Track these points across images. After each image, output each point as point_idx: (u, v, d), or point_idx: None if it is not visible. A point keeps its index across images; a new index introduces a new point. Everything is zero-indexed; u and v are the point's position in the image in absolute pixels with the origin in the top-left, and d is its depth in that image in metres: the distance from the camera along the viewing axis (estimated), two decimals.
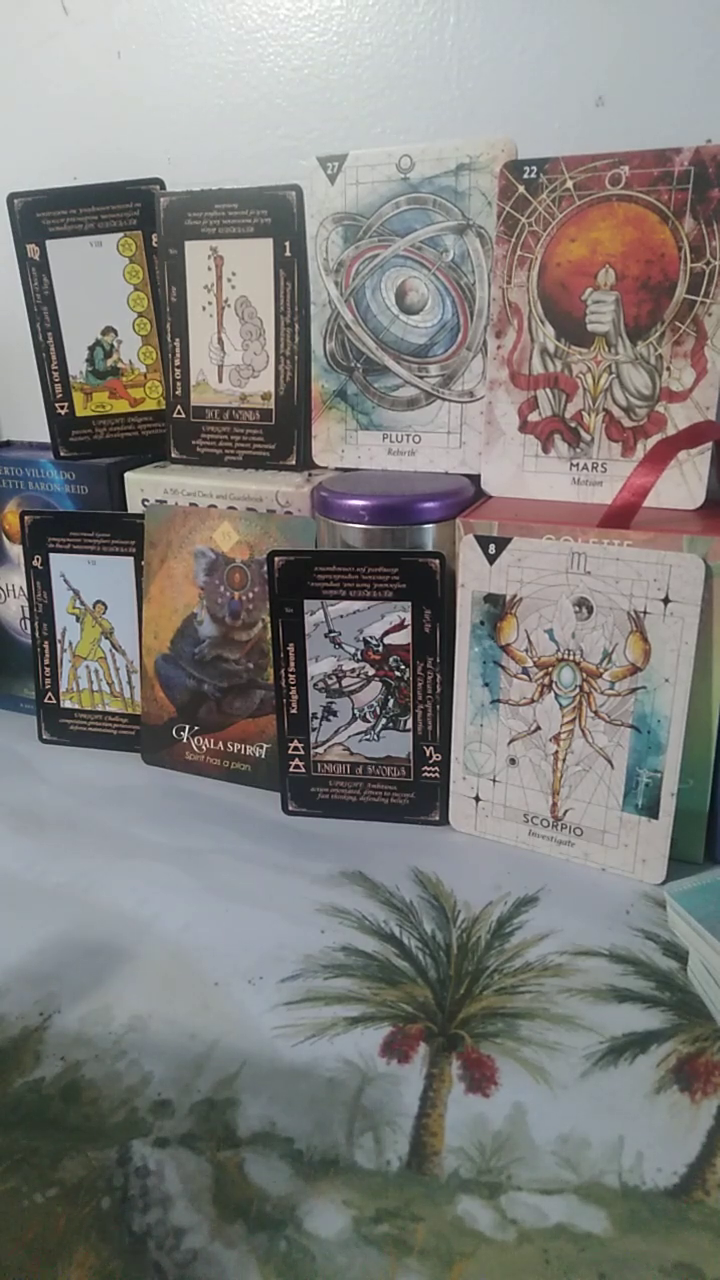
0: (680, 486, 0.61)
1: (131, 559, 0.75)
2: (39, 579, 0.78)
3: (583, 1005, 0.50)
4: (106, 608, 0.78)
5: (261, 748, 0.72)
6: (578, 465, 0.64)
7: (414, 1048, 0.47)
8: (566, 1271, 0.37)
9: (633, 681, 0.57)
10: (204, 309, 0.75)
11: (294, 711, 0.67)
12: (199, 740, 0.74)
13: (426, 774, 0.66)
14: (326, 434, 0.74)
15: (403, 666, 0.65)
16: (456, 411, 0.69)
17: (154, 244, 0.75)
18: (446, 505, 0.64)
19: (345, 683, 0.66)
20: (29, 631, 0.80)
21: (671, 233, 0.58)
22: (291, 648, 0.66)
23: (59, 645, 0.79)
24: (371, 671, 0.65)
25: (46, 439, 0.81)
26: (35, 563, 0.78)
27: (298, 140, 0.75)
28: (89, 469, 0.78)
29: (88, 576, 0.77)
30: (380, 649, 0.65)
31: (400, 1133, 0.43)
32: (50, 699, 0.80)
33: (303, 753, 0.68)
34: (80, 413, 0.79)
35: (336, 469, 0.75)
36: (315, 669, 0.66)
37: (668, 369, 0.60)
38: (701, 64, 0.63)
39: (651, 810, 0.58)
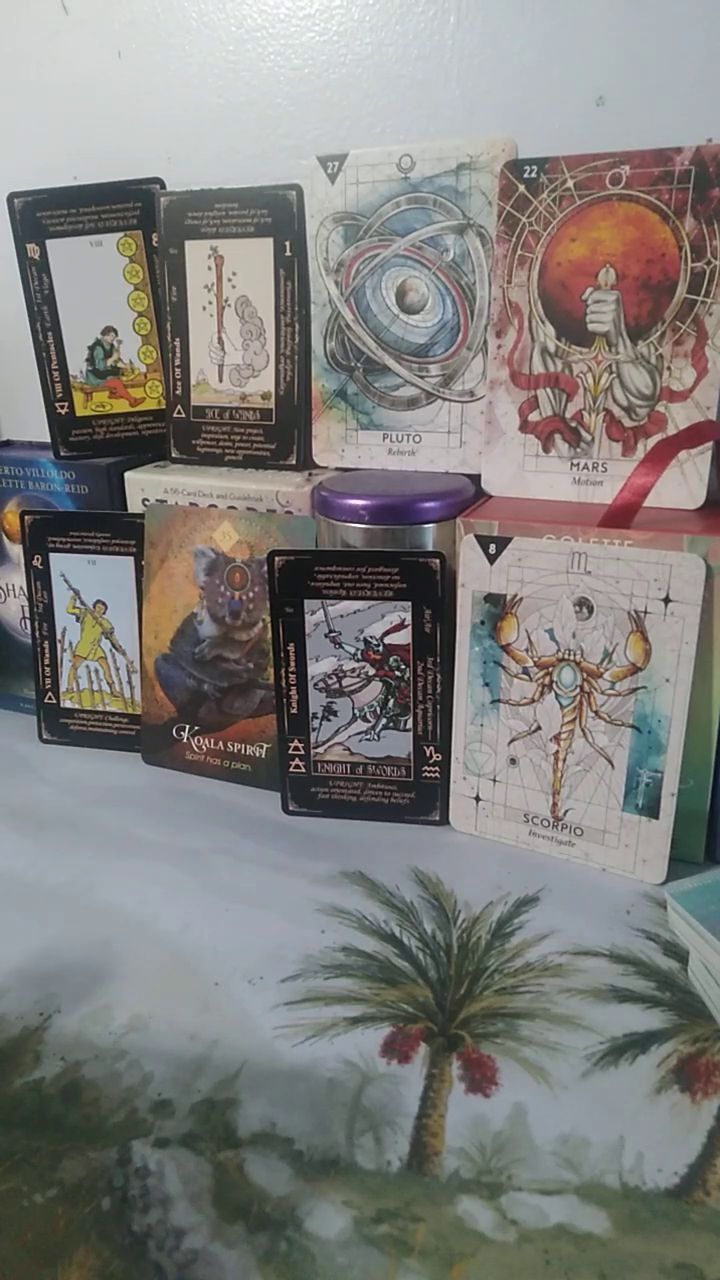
0: (681, 486, 0.61)
1: (131, 559, 0.75)
2: (39, 579, 0.78)
3: (583, 1005, 0.50)
4: (106, 607, 0.78)
5: (262, 747, 0.72)
6: (578, 465, 0.64)
7: (414, 1048, 0.47)
8: (567, 1272, 0.37)
9: (633, 681, 0.57)
10: (204, 308, 0.75)
11: (294, 711, 0.67)
12: (199, 740, 0.74)
13: (427, 774, 0.66)
14: (327, 434, 0.74)
15: (403, 666, 0.65)
16: (457, 411, 0.69)
17: (154, 243, 0.75)
18: (447, 505, 0.64)
19: (345, 683, 0.66)
20: (29, 631, 0.80)
21: (672, 232, 0.58)
22: (292, 647, 0.66)
23: (59, 645, 0.79)
24: (372, 671, 0.65)
25: (46, 438, 0.81)
26: (35, 562, 0.78)
27: (298, 140, 0.75)
28: (89, 469, 0.78)
29: (88, 576, 0.77)
30: (380, 649, 0.65)
31: (400, 1133, 0.43)
32: (50, 699, 0.80)
33: (303, 753, 0.68)
34: (80, 412, 0.79)
35: (337, 469, 0.75)
36: (315, 669, 0.66)
37: (668, 368, 0.60)
38: (701, 64, 0.63)
39: (652, 810, 0.58)
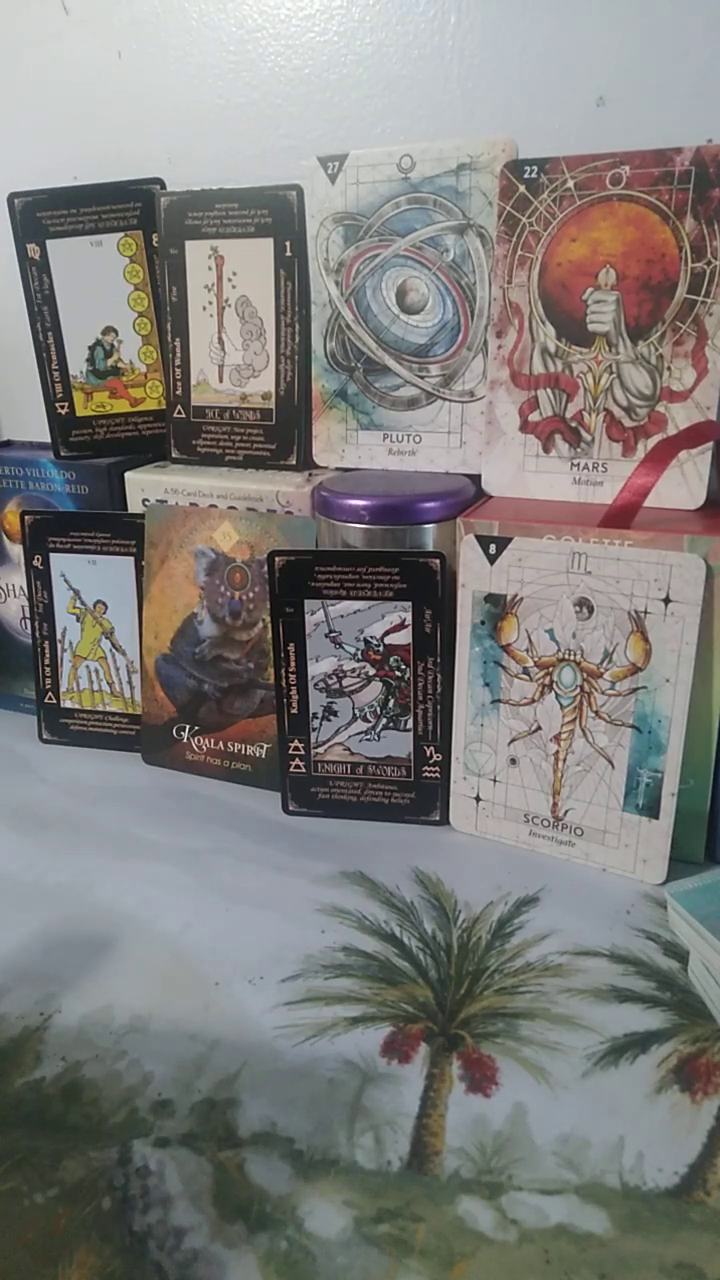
0: (681, 486, 0.61)
1: (132, 559, 0.75)
2: (39, 579, 0.78)
3: (583, 1005, 0.50)
4: (107, 607, 0.78)
5: (262, 748, 0.72)
6: (578, 465, 0.64)
7: (414, 1048, 0.47)
8: (567, 1272, 0.37)
9: (633, 681, 0.57)
10: (204, 309, 0.75)
11: (294, 711, 0.67)
12: (199, 740, 0.74)
13: (427, 774, 0.66)
14: (327, 434, 0.74)
15: (403, 666, 0.65)
16: (457, 411, 0.69)
17: (154, 244, 0.75)
18: (447, 505, 0.64)
19: (346, 683, 0.66)
20: (29, 631, 0.80)
21: (672, 232, 0.58)
22: (292, 648, 0.66)
23: (59, 645, 0.79)
24: (372, 671, 0.65)
25: (47, 439, 0.81)
26: (35, 562, 0.78)
27: (298, 140, 0.75)
28: (89, 469, 0.78)
29: (88, 576, 0.77)
30: (381, 649, 0.65)
31: (401, 1133, 0.43)
32: (50, 699, 0.80)
33: (303, 753, 0.68)
34: (80, 412, 0.79)
35: (337, 469, 0.75)
36: (315, 669, 0.66)
37: (668, 369, 0.60)
38: (701, 64, 0.63)
39: (652, 810, 0.58)
